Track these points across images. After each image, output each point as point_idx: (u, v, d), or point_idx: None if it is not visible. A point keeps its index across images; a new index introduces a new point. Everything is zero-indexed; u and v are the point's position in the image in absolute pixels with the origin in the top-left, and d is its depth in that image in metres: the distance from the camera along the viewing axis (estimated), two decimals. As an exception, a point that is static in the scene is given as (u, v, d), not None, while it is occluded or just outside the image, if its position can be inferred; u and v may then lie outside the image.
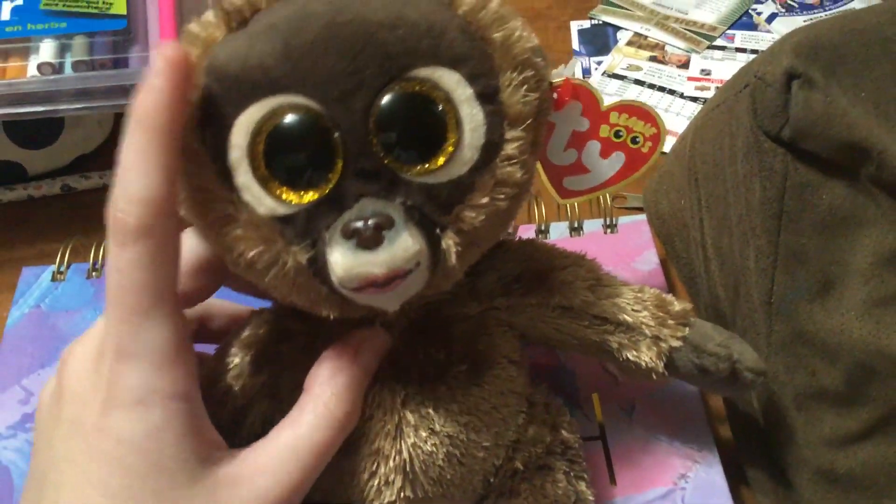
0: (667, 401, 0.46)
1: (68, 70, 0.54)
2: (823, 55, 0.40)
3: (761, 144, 0.41)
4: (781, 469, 0.44)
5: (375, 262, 0.29)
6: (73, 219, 0.61)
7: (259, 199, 0.30)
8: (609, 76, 0.70)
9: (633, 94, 0.68)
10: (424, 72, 0.30)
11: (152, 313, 0.30)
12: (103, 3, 0.56)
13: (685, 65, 0.70)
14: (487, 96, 0.31)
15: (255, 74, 0.30)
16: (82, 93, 0.54)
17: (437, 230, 0.31)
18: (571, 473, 0.39)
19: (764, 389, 0.44)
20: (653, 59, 0.71)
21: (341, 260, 0.29)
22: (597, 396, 0.46)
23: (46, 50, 0.54)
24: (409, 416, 0.35)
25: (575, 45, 0.74)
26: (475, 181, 0.31)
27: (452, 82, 0.31)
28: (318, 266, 0.30)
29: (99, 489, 0.29)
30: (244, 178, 0.30)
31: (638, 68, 0.71)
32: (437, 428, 0.35)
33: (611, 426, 0.45)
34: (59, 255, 0.54)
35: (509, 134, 0.32)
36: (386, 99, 0.30)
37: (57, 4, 0.55)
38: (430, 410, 0.35)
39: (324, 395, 0.33)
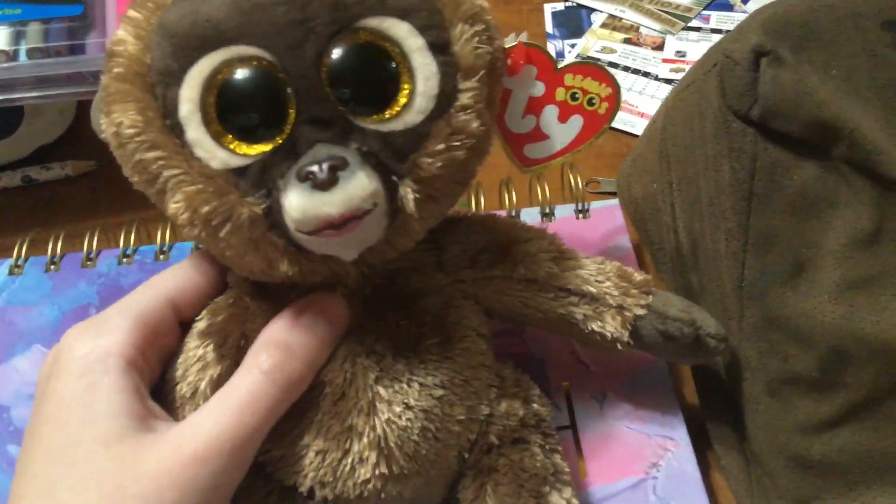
0: (638, 389, 0.45)
1: (23, 58, 0.52)
2: (793, 32, 0.39)
3: (730, 125, 0.40)
4: (755, 456, 0.44)
5: (331, 202, 0.29)
6: (34, 211, 0.60)
7: (211, 152, 0.31)
8: (583, 59, 0.69)
9: (607, 76, 0.67)
10: (374, 21, 0.31)
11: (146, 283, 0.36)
12: (59, -13, 0.54)
13: (660, 47, 0.69)
14: (439, 47, 0.32)
15: (205, 28, 0.30)
16: (39, 81, 0.53)
17: (394, 178, 0.31)
18: (547, 447, 0.38)
19: (735, 375, 0.43)
20: (627, 41, 0.70)
21: (296, 202, 0.29)
22: (567, 385, 0.45)
23: (0, 37, 0.53)
24: (382, 392, 0.35)
25: (549, 27, 0.73)
26: (430, 130, 0.32)
27: (403, 32, 0.31)
28: (274, 216, 0.31)
29: (42, 449, 0.31)
30: (196, 132, 0.31)
31: (612, 51, 0.69)
32: (412, 402, 0.35)
33: (581, 415, 0.44)
34: (16, 249, 0.52)
35: (463, 85, 0.33)
36: (337, 51, 0.31)
37: (11, -10, 0.54)
38: (405, 385, 0.35)
39: (257, 355, 0.33)
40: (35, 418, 0.33)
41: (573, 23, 0.73)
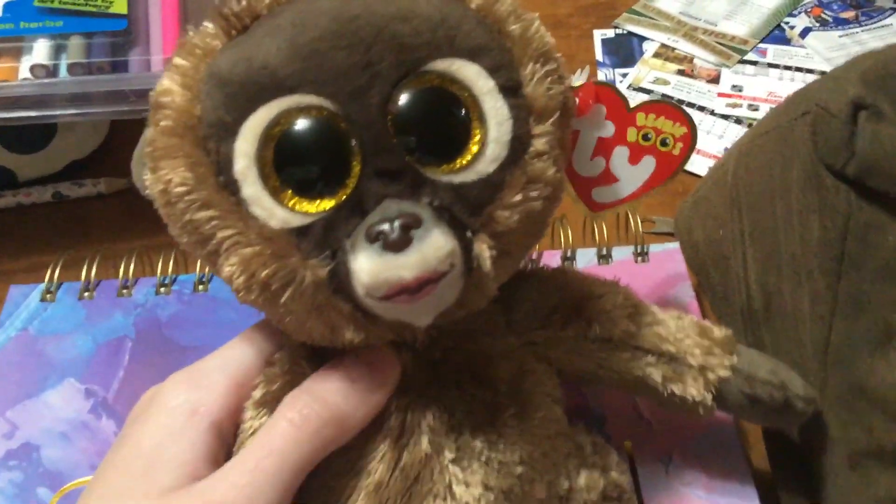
0: (706, 451, 0.43)
1: (63, 73, 0.50)
2: (894, 84, 0.37)
3: (822, 179, 0.38)
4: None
5: (406, 265, 0.26)
6: (65, 229, 0.59)
7: (270, 211, 0.28)
8: (635, 90, 0.67)
9: (661, 109, 0.65)
10: (442, 64, 0.29)
11: (242, 337, 0.35)
12: (102, 1, 0.52)
13: (715, 79, 0.67)
14: (510, 89, 0.30)
15: (261, 76, 0.28)
16: (78, 98, 0.51)
17: (468, 233, 0.29)
18: None
19: (813, 443, 0.41)
20: (681, 72, 0.68)
21: (367, 265, 0.26)
22: (629, 444, 0.43)
23: (40, 51, 0.51)
24: (459, 473, 0.32)
25: (598, 55, 0.70)
26: (505, 179, 0.30)
27: (472, 74, 0.30)
28: (340, 280, 0.28)
29: (99, 491, 0.31)
30: (252, 189, 0.28)
31: (665, 82, 0.67)
32: (492, 483, 0.32)
33: (645, 477, 0.42)
34: (48, 273, 0.50)
35: (537, 129, 0.30)
36: (404, 97, 0.29)
37: (53, 2, 0.52)
38: (483, 464, 0.32)
39: (284, 405, 0.32)
40: (109, 455, 0.32)
41: (624, 51, 0.70)
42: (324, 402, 0.31)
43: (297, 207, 0.28)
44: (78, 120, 0.53)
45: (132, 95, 0.50)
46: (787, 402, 0.37)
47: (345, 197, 0.28)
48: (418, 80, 0.29)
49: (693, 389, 0.36)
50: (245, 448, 0.31)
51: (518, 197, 0.30)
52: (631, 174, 0.41)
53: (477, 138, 0.30)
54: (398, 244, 0.26)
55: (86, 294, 0.50)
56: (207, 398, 0.32)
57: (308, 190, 0.28)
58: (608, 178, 0.41)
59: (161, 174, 0.29)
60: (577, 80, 0.36)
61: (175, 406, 0.32)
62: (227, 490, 0.29)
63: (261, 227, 0.28)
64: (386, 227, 0.26)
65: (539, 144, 0.30)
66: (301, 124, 0.28)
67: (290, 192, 0.28)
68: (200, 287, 0.50)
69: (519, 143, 0.30)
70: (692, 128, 0.39)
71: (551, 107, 0.31)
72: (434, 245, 0.27)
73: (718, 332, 0.38)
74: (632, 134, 0.39)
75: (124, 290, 0.50)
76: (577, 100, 0.35)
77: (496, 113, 0.30)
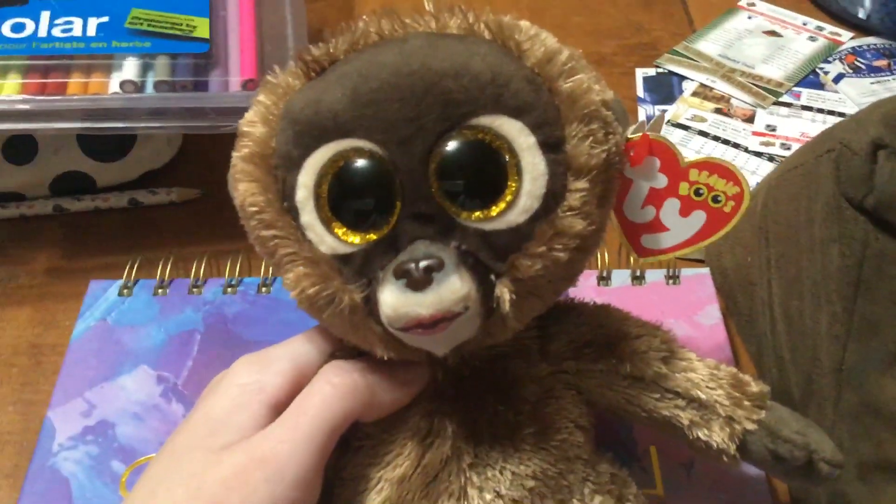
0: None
1: (149, 89, 0.55)
2: (912, 127, 0.40)
3: (843, 211, 0.41)
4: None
5: (422, 303, 0.29)
6: (139, 233, 0.62)
7: (321, 237, 0.32)
8: (673, 125, 0.70)
9: (697, 145, 0.68)
10: (486, 120, 0.31)
11: (306, 335, 0.38)
12: (187, 25, 0.57)
13: (750, 119, 0.70)
14: (551, 146, 0.32)
15: (325, 119, 0.32)
16: (160, 112, 0.55)
17: (492, 276, 0.32)
18: None
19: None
20: (718, 111, 0.72)
21: (389, 299, 0.30)
22: (654, 450, 0.46)
23: (129, 68, 0.55)
24: (475, 478, 0.35)
25: (640, 92, 0.74)
26: (534, 230, 0.32)
27: (514, 130, 0.32)
28: (373, 305, 0.31)
29: (168, 449, 0.35)
30: (309, 217, 0.33)
31: (703, 119, 0.71)
32: (503, 491, 0.34)
33: (668, 482, 0.45)
34: (126, 271, 0.55)
35: (573, 185, 0.32)
36: (447, 148, 0.31)
37: (142, 24, 0.56)
38: (497, 472, 0.35)
39: (323, 369, 0.35)
40: (181, 425, 0.36)
41: (664, 89, 0.74)
42: (361, 373, 0.35)
43: (345, 238, 0.32)
44: (157, 133, 0.57)
45: (211, 112, 0.54)
46: (810, 464, 0.37)
47: (385, 233, 0.32)
48: (461, 133, 0.31)
49: (718, 437, 0.37)
50: (287, 410, 0.34)
51: (542, 248, 0.32)
52: (681, 225, 0.41)
53: (511, 189, 0.32)
54: (419, 283, 0.29)
55: (160, 291, 0.54)
56: (273, 381, 0.35)
57: (355, 223, 0.32)
58: (658, 226, 0.41)
59: (239, 193, 0.34)
60: (634, 132, 0.37)
61: (244, 384, 0.35)
62: (271, 445, 0.33)
63: (312, 249, 0.33)
64: (412, 266, 0.30)
65: (573, 200, 0.32)
66: (354, 164, 0.32)
67: (339, 223, 0.32)
68: (263, 289, 0.54)
69: (552, 198, 0.32)
70: (745, 188, 0.39)
71: (591, 165, 0.32)
72: (451, 288, 0.30)
73: (755, 386, 0.38)
74: (684, 188, 0.40)
75: (195, 289, 0.54)
76: (633, 152, 0.37)
77: (533, 168, 0.32)
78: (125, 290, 0.54)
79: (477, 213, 0.31)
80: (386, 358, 0.34)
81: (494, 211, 0.31)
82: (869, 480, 0.42)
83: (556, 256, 0.32)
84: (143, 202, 0.64)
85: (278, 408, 0.35)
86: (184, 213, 0.63)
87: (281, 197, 0.33)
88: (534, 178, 0.32)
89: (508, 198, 0.31)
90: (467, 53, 0.32)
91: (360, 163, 0.32)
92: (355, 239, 0.32)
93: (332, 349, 0.37)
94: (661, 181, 0.40)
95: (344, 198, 0.32)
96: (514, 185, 0.32)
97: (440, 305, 0.29)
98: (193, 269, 0.54)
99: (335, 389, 0.34)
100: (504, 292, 0.31)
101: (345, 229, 0.32)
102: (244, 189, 0.34)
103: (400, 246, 0.31)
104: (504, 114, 0.32)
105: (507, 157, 0.31)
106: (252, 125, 0.34)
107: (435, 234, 0.31)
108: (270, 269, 0.54)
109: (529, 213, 0.32)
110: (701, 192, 0.40)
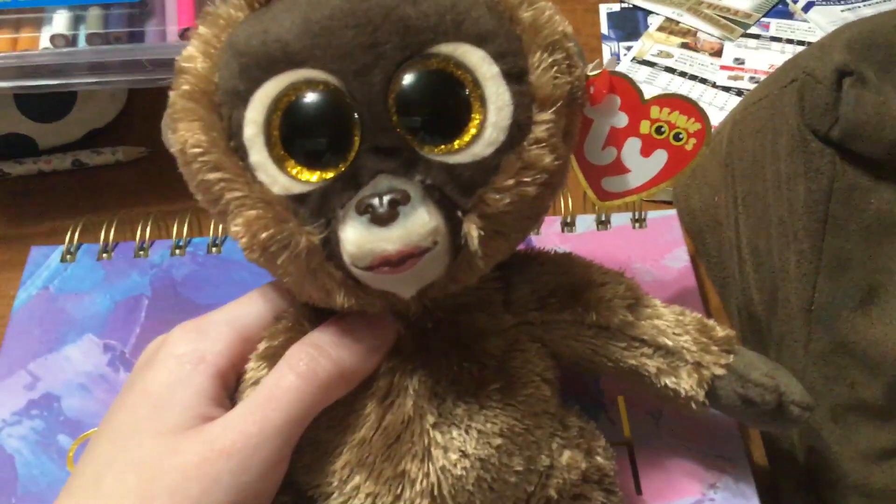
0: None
1: (82, 43, 0.52)
2: (878, 52, 0.38)
3: (808, 144, 0.39)
4: (814, 480, 0.43)
5: (389, 238, 0.27)
6: (84, 195, 0.60)
7: (273, 177, 0.30)
8: (639, 62, 0.68)
9: (664, 81, 0.66)
10: (447, 48, 0.30)
11: (247, 297, 0.36)
12: (119, -27, 0.53)
13: (718, 53, 0.68)
14: (515, 76, 0.31)
15: (274, 49, 0.30)
16: (96, 67, 0.52)
17: (459, 213, 0.30)
18: None
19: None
20: (684, 45, 0.69)
21: (353, 236, 0.28)
22: (622, 400, 0.44)
23: (60, 21, 0.52)
24: (439, 438, 0.33)
25: (604, 28, 0.72)
26: (500, 163, 0.30)
27: (477, 59, 0.30)
28: (332, 247, 0.29)
29: (109, 431, 0.33)
30: (259, 156, 0.30)
31: (669, 55, 0.68)
32: (469, 450, 0.33)
33: (636, 431, 0.43)
34: (68, 235, 0.52)
35: (538, 117, 0.31)
36: (407, 78, 0.29)
37: (71, -26, 0.53)
38: (462, 431, 0.33)
39: (290, 355, 0.33)
40: (118, 401, 0.34)
41: (629, 25, 0.72)
42: (329, 356, 0.33)
43: (299, 176, 0.30)
44: (95, 88, 0.54)
45: (148, 65, 0.52)
46: (780, 407, 0.36)
47: (343, 169, 0.30)
48: (422, 62, 0.30)
49: (686, 384, 0.36)
50: (252, 398, 0.32)
51: (510, 181, 0.30)
52: (642, 166, 0.40)
53: (476, 121, 0.30)
54: (384, 218, 0.27)
55: (104, 255, 0.52)
56: (213, 348, 0.34)
57: (310, 160, 0.30)
58: (619, 168, 0.40)
59: (179, 135, 0.31)
60: (594, 69, 0.35)
61: (182, 353, 0.33)
62: (235, 438, 0.31)
63: (264, 191, 0.30)
64: (375, 200, 0.28)
65: (539, 132, 0.31)
66: (307, 97, 0.30)
67: (293, 161, 0.30)
68: (214, 249, 0.52)
69: (518, 130, 0.30)
70: (706, 124, 0.39)
71: (556, 96, 0.31)
72: (418, 222, 0.28)
73: (720, 331, 0.38)
74: (645, 126, 0.39)
75: (141, 252, 0.52)
76: (592, 89, 0.36)
77: (497, 98, 0.30)
78: (68, 256, 0.52)
79: (441, 147, 0.30)
80: (346, 306, 0.32)
81: (458, 144, 0.30)
82: (842, 422, 0.41)
83: (525, 191, 0.31)
84: (88, 163, 0.61)
85: (223, 377, 0.34)
86: (130, 172, 0.61)
87: (227, 136, 0.31)
88: (498, 108, 0.30)
89: (473, 130, 0.30)
90: None
91: (314, 95, 0.29)
92: (311, 177, 0.30)
93: (276, 310, 0.36)
94: (622, 120, 0.39)
95: (297, 134, 0.30)
96: (478, 116, 0.30)
97: (408, 240, 0.28)
98: (139, 231, 0.52)
99: (305, 383, 0.32)
100: (472, 228, 0.30)
101: (299, 168, 0.30)
102: (185, 129, 0.31)
103: (361, 182, 0.29)
104: (465, 41, 0.30)
105: (470, 88, 0.30)
106: (191, 60, 0.31)
107: (398, 168, 0.29)
108: (220, 227, 0.52)
109: (495, 145, 0.30)
110: (662, 129, 0.39)
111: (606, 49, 0.70)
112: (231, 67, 0.30)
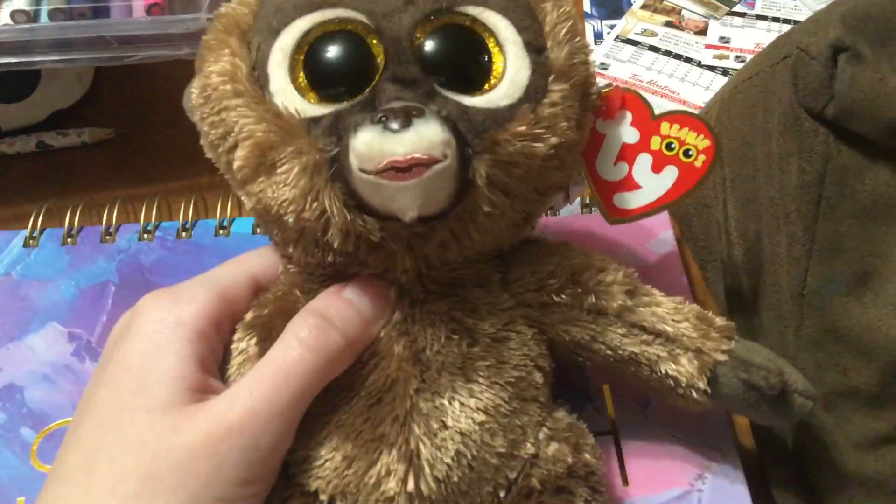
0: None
1: (44, 19, 0.50)
2: (873, 27, 0.37)
3: (801, 123, 0.38)
4: (804, 469, 0.42)
5: (400, 142, 0.27)
6: (49, 178, 0.58)
7: (291, 101, 0.30)
8: (622, 41, 0.66)
9: (648, 61, 0.64)
10: (475, 10, 0.32)
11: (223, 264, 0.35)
12: (83, -54, 0.51)
13: (703, 31, 0.67)
14: (534, 48, 0.32)
15: None
16: (60, 44, 0.50)
17: (468, 149, 0.30)
18: (593, 503, 0.35)
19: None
20: (668, 24, 0.68)
21: (364, 137, 0.28)
22: (608, 388, 0.43)
23: (20, -4, 0.50)
24: (422, 405, 0.32)
25: (587, 6, 0.70)
26: (514, 114, 0.31)
27: (502, 24, 0.32)
28: (339, 166, 0.29)
29: (93, 412, 0.31)
30: (280, 82, 0.31)
31: (653, 34, 0.67)
32: (450, 422, 0.32)
33: (623, 421, 0.42)
34: (31, 219, 0.50)
35: (554, 86, 0.32)
36: (434, 26, 0.31)
37: (32, -54, 0.51)
38: (445, 402, 0.33)
39: (295, 325, 0.32)
40: (95, 379, 0.32)
41: (612, 3, 0.70)
42: (336, 327, 0.32)
43: (317, 103, 0.30)
44: (59, 67, 0.52)
45: (114, 42, 0.49)
46: (783, 396, 0.35)
47: (361, 98, 0.30)
48: (450, 17, 0.31)
49: (687, 371, 0.35)
50: (257, 372, 0.31)
51: (523, 128, 0.30)
52: (653, 182, 0.40)
53: (496, 73, 0.31)
54: (398, 126, 0.27)
55: (69, 240, 0.50)
56: (190, 308, 0.32)
57: (330, 94, 0.30)
58: (630, 184, 0.40)
59: (206, 70, 0.32)
60: (605, 87, 0.37)
61: (158, 319, 0.32)
62: (243, 414, 0.30)
63: (279, 111, 0.30)
64: (390, 107, 0.28)
65: (554, 97, 0.32)
66: (335, 31, 0.31)
67: (313, 93, 0.31)
68: (184, 233, 0.50)
69: (534, 91, 0.31)
70: (716, 141, 0.39)
71: (572, 71, 0.32)
72: (431, 130, 0.28)
73: (719, 320, 0.37)
74: (655, 142, 0.39)
75: (107, 237, 0.50)
76: (604, 105, 0.38)
77: (517, 59, 0.32)
78: (31, 241, 0.50)
79: (458, 90, 0.31)
80: (338, 242, 0.31)
81: (476, 93, 0.31)
82: (834, 410, 0.40)
83: (535, 146, 0.31)
84: (53, 145, 0.59)
85: (205, 338, 0.32)
86: (97, 155, 0.59)
87: (251, 66, 0.32)
88: (518, 68, 0.32)
89: (493, 81, 0.31)
90: None
91: (342, 32, 0.31)
92: (328, 108, 0.30)
93: (253, 274, 0.35)
94: (633, 136, 0.39)
95: (321, 66, 0.31)
96: (497, 72, 0.31)
97: (419, 144, 0.27)
98: (105, 215, 0.50)
99: (315, 356, 0.31)
100: (481, 165, 0.30)
101: (319, 99, 0.31)
102: (213, 59, 0.32)
103: (377, 106, 0.30)
104: (492, 8, 0.32)
105: (493, 48, 0.32)
106: (232, 8, 0.33)
107: (415, 98, 0.30)
108: (190, 211, 0.50)
109: (511, 99, 0.31)
110: (672, 146, 0.39)
111: (589, 27, 0.68)
112: (267, 10, 0.32)
